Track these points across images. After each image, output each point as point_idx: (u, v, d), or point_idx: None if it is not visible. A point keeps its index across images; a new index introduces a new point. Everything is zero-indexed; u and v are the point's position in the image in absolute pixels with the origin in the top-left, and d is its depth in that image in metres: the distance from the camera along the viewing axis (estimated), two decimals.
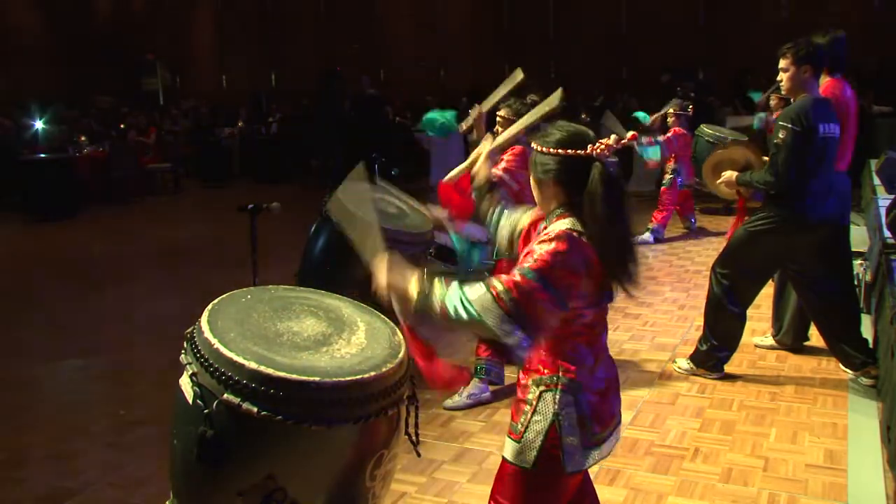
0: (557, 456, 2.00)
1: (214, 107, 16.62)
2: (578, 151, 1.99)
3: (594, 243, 1.95)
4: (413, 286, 1.97)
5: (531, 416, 2.02)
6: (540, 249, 1.92)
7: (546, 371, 2.04)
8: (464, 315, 1.87)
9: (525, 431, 2.03)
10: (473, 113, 4.07)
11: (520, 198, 3.98)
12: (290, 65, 18.31)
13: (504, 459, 2.09)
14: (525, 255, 1.96)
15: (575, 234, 1.94)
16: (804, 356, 4.69)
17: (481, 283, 1.91)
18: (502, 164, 3.96)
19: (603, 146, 1.98)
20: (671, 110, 8.16)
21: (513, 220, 2.31)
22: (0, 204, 11.20)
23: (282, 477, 1.93)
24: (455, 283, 1.93)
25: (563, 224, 1.98)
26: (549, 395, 2.02)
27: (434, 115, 4.99)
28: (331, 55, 17.07)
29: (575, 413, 2.01)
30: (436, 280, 1.94)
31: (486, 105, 4.17)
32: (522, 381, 2.10)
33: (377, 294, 2.05)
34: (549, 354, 2.04)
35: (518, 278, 1.88)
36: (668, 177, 8.21)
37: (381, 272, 2.04)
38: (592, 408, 2.03)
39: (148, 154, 13.02)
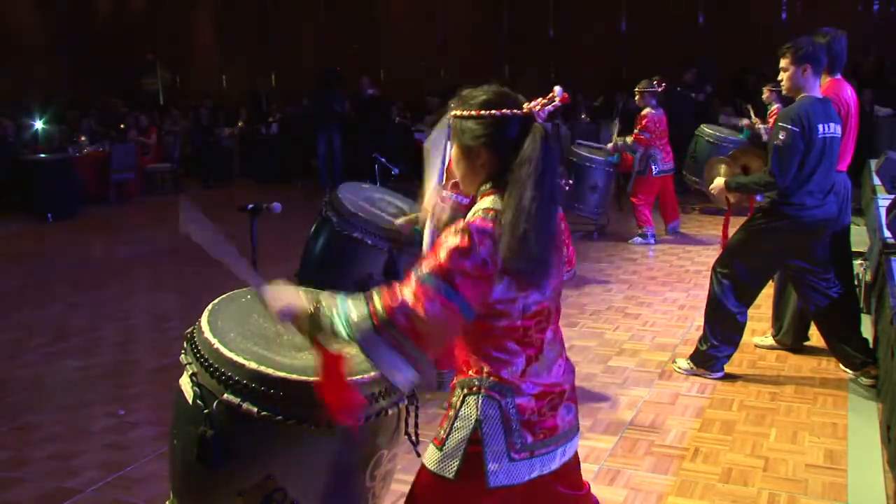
0: (480, 467, 1.77)
1: (214, 107, 16.63)
2: (514, 111, 1.76)
3: (508, 221, 1.67)
4: (300, 308, 1.74)
5: (454, 422, 1.80)
6: (444, 246, 1.67)
7: (470, 372, 1.82)
8: (342, 331, 1.67)
9: (447, 438, 1.81)
10: None
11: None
12: (290, 65, 18.32)
13: (423, 467, 1.87)
14: (434, 247, 1.71)
15: (489, 218, 1.69)
16: (804, 356, 4.69)
17: (363, 298, 1.68)
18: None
19: (538, 103, 1.78)
20: (638, 89, 7.77)
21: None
22: (0, 204, 11.20)
23: (282, 477, 1.93)
24: (340, 296, 1.72)
25: (484, 206, 1.73)
26: (471, 399, 1.79)
27: None
28: (331, 55, 17.08)
29: (500, 420, 1.77)
30: (322, 294, 1.74)
31: None
32: (452, 383, 1.90)
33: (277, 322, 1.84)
34: (472, 353, 1.81)
35: (411, 289, 1.64)
36: (640, 163, 7.80)
37: (272, 304, 1.80)
38: (524, 415, 1.78)
39: (148, 154, 13.02)
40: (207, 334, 2.00)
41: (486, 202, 1.75)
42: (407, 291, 1.65)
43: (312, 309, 1.72)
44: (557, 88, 1.79)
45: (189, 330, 2.09)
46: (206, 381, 1.95)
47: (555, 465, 1.86)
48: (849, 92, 4.41)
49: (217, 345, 1.96)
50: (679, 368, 4.48)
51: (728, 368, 4.41)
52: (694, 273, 6.78)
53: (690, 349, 4.55)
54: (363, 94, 12.61)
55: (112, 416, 4.13)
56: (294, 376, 1.90)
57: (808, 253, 4.18)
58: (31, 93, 14.46)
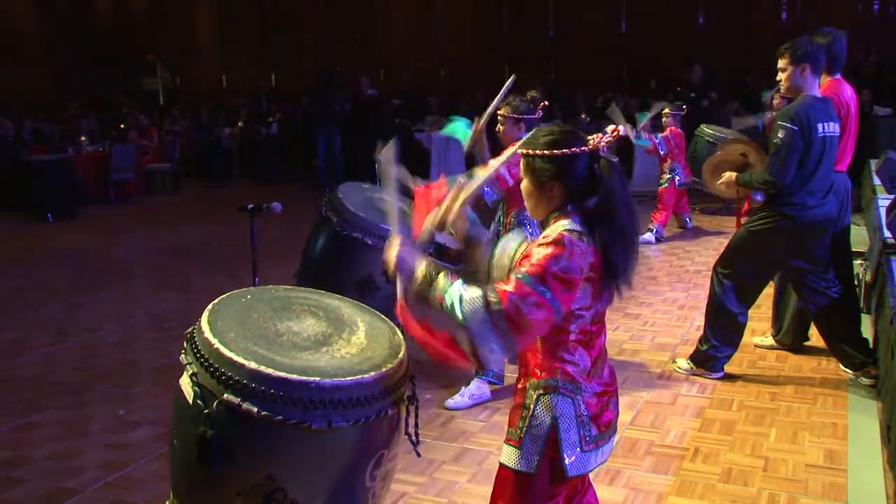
0: (558, 460, 1.98)
1: (214, 107, 16.63)
2: (582, 148, 1.98)
3: (603, 242, 1.93)
4: (420, 270, 1.98)
5: (529, 421, 2.00)
6: (538, 253, 1.89)
7: (543, 374, 2.01)
8: (457, 313, 1.87)
9: (524, 437, 2.01)
10: (473, 128, 4.12)
11: (513, 196, 3.97)
12: (290, 65, 18.33)
13: (503, 466, 2.05)
14: (523, 259, 1.94)
15: (574, 235, 1.91)
16: (804, 356, 4.69)
17: (480, 288, 1.90)
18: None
19: (600, 138, 1.98)
20: (666, 110, 8.24)
21: (509, 249, 2.21)
22: (0, 204, 11.20)
23: (282, 477, 1.93)
24: (459, 280, 1.93)
25: (562, 226, 1.95)
26: (546, 399, 1.99)
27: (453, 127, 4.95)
28: (331, 55, 17.08)
29: (574, 416, 1.99)
30: (442, 272, 1.95)
31: (484, 119, 4.19)
32: (519, 386, 2.08)
33: (384, 269, 2.06)
34: (546, 358, 2.01)
35: (513, 286, 1.85)
36: (665, 177, 8.26)
37: (393, 249, 2.04)
38: (591, 410, 2.01)
39: (148, 154, 13.02)
40: (207, 334, 2.00)
41: (563, 224, 1.95)
42: (512, 286, 1.85)
43: (430, 276, 1.94)
44: (621, 127, 2.03)
45: (189, 330, 2.09)
46: (206, 381, 1.95)
47: (608, 453, 2.09)
48: (849, 92, 4.40)
49: (217, 345, 1.96)
50: (679, 368, 4.48)
51: (728, 368, 4.41)
52: (694, 273, 6.78)
53: (690, 349, 4.55)
54: (363, 94, 12.62)
55: (112, 416, 4.13)
56: (294, 376, 1.90)
57: (808, 253, 4.18)
58: (32, 93, 14.46)
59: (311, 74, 15.47)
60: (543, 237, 1.95)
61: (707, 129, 8.01)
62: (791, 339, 4.75)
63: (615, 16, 15.72)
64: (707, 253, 7.41)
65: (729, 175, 4.33)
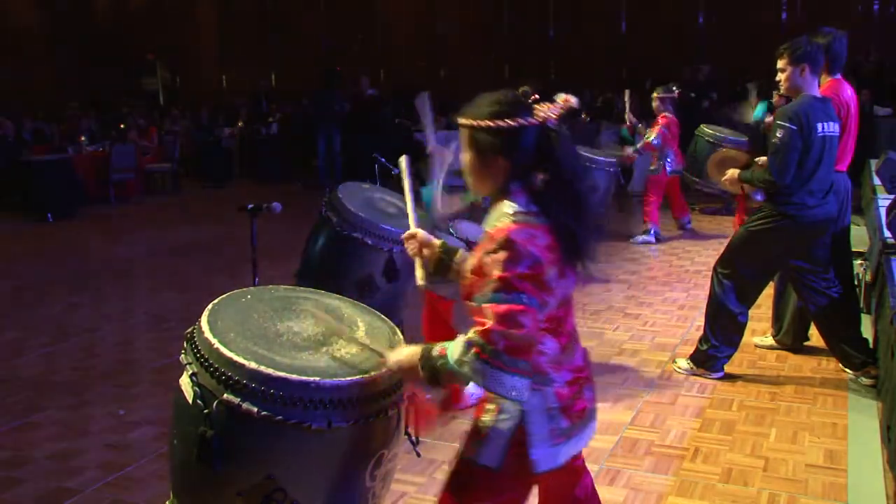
0: (525, 455, 1.86)
1: (214, 107, 16.63)
2: (529, 120, 1.80)
3: (556, 220, 1.79)
4: (415, 355, 1.87)
5: (496, 415, 1.89)
6: (492, 265, 1.75)
7: None
8: (463, 374, 1.75)
9: (489, 430, 1.89)
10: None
11: None
12: (290, 65, 18.33)
13: (465, 460, 1.94)
14: (476, 271, 1.81)
15: (519, 220, 1.77)
16: (804, 356, 4.69)
17: (461, 340, 1.76)
18: None
19: (549, 108, 1.82)
20: (656, 94, 8.02)
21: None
22: (0, 204, 11.21)
23: (282, 477, 1.93)
24: (445, 345, 1.81)
25: (505, 215, 1.81)
26: None
27: None
28: (331, 55, 17.08)
29: (543, 409, 1.87)
30: (434, 346, 1.83)
31: (430, 142, 4.17)
32: None
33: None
34: None
35: (488, 313, 1.72)
36: (657, 163, 8.05)
37: (392, 357, 1.95)
38: (561, 402, 1.89)
39: (148, 154, 13.02)
40: (207, 334, 2.00)
41: (505, 207, 1.81)
42: (489, 318, 1.72)
43: (421, 358, 1.83)
44: (568, 96, 1.86)
45: (189, 330, 2.09)
46: (206, 381, 1.95)
47: (583, 445, 1.98)
48: (849, 92, 4.41)
49: (217, 345, 1.96)
50: (679, 368, 4.49)
51: (728, 368, 4.41)
52: (694, 273, 6.78)
53: (690, 349, 4.55)
54: (363, 94, 12.62)
55: (112, 416, 4.13)
56: (294, 376, 1.90)
57: (808, 253, 4.18)
58: (32, 93, 14.46)
59: (311, 74, 15.46)
60: (489, 240, 1.80)
61: (707, 129, 8.00)
62: (791, 339, 4.75)
63: (615, 16, 15.73)
64: (707, 253, 7.41)
65: (732, 172, 4.34)
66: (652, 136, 7.87)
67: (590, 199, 1.87)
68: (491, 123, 1.80)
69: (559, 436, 1.88)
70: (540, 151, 1.82)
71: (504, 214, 1.81)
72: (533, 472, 1.87)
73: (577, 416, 1.93)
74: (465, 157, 1.88)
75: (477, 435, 1.91)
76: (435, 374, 1.82)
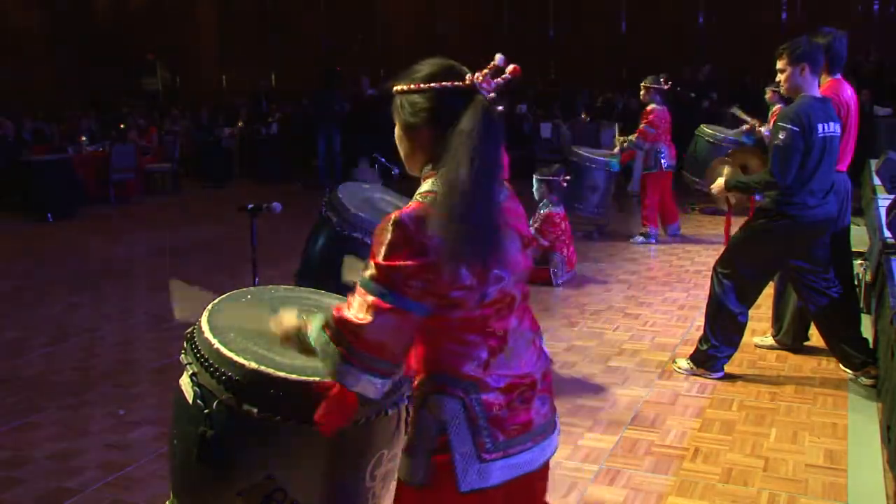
0: (450, 471, 1.64)
1: (214, 107, 16.64)
2: (456, 83, 1.62)
3: (440, 201, 1.54)
4: (293, 325, 1.76)
5: (416, 427, 1.69)
6: (379, 245, 1.56)
7: (429, 370, 1.69)
8: (321, 354, 1.62)
9: (414, 444, 1.69)
10: None
11: None
12: (290, 65, 18.33)
13: (399, 479, 1.75)
14: (370, 255, 1.62)
15: (420, 206, 1.57)
16: (804, 356, 4.69)
17: (319, 322, 1.63)
18: None
19: (483, 72, 1.63)
20: (644, 84, 7.76)
21: None
22: (0, 204, 11.21)
23: (282, 477, 1.93)
24: (313, 321, 1.67)
25: (426, 187, 1.63)
26: (433, 400, 1.66)
27: None
28: (331, 55, 17.09)
29: (464, 420, 1.64)
30: (315, 317, 1.68)
31: None
32: (413, 385, 1.77)
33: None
34: (429, 350, 1.68)
35: (358, 298, 1.56)
36: (650, 160, 7.84)
37: (278, 324, 1.82)
38: (490, 412, 1.65)
39: (148, 154, 13.03)
40: (207, 334, 2.00)
41: (427, 185, 1.63)
42: (355, 304, 1.57)
43: (298, 330, 1.73)
44: (499, 56, 1.64)
45: (189, 330, 2.09)
46: (206, 380, 1.95)
47: (537, 465, 1.74)
48: (849, 92, 4.41)
49: (217, 345, 1.96)
50: (679, 368, 4.49)
51: (728, 368, 4.41)
52: (694, 273, 6.78)
53: (690, 349, 4.55)
54: (363, 94, 12.62)
55: (112, 416, 4.13)
56: (294, 376, 1.89)
57: (808, 253, 4.18)
58: (32, 93, 14.47)
59: (311, 74, 15.47)
60: (384, 219, 1.59)
61: (707, 129, 8.00)
62: (791, 339, 4.75)
63: (615, 16, 15.74)
64: (707, 253, 7.41)
65: (719, 181, 4.30)
66: (632, 139, 7.74)
67: (491, 188, 1.57)
68: (414, 86, 1.65)
69: (491, 451, 1.65)
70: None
71: (419, 194, 1.63)
72: (459, 491, 1.63)
73: (517, 429, 1.68)
74: (396, 131, 1.72)
75: (404, 450, 1.73)
76: (308, 348, 1.69)
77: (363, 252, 4.15)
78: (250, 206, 3.76)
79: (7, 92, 14.94)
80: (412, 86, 1.65)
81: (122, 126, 13.90)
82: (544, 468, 1.81)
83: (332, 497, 2.01)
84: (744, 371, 4.49)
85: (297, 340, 1.76)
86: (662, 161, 7.78)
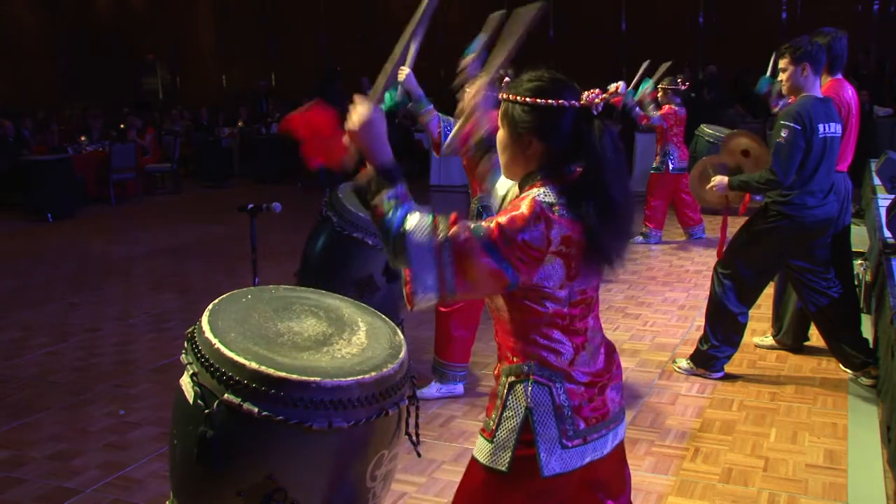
0: (533, 457, 1.72)
1: (214, 107, 16.63)
2: (571, 102, 1.69)
3: (586, 217, 1.66)
4: (376, 162, 1.70)
5: (501, 412, 1.76)
6: (508, 213, 1.65)
7: (515, 359, 1.77)
8: (393, 221, 1.63)
9: (497, 429, 1.76)
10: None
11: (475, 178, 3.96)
12: (290, 65, 18.32)
13: (475, 461, 1.81)
14: (499, 212, 1.72)
15: (546, 204, 1.65)
16: (804, 356, 4.69)
17: (429, 218, 1.65)
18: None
19: (595, 94, 1.70)
20: (661, 86, 7.69)
21: (509, 184, 1.96)
22: (0, 204, 11.20)
23: (282, 477, 1.93)
24: (410, 198, 1.69)
25: (536, 193, 1.69)
26: (519, 387, 1.75)
27: None
28: (331, 55, 17.08)
29: (551, 407, 1.73)
30: (394, 181, 1.69)
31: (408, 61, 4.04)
32: (495, 372, 1.85)
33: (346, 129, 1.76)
34: (518, 340, 1.76)
35: (466, 231, 1.62)
36: (658, 160, 7.74)
37: (359, 115, 1.74)
38: (574, 401, 1.75)
39: (148, 154, 13.02)
40: (208, 334, 2.00)
41: (539, 194, 1.68)
42: (464, 234, 1.61)
43: (380, 177, 1.68)
44: (622, 84, 1.76)
45: (189, 330, 2.09)
46: (206, 381, 1.95)
47: (607, 450, 1.83)
48: (849, 92, 4.41)
49: (217, 345, 1.96)
50: (679, 368, 4.49)
51: (728, 368, 4.41)
52: (694, 273, 6.78)
53: (690, 349, 4.55)
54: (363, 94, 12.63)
55: (112, 416, 4.13)
56: (294, 376, 1.90)
57: (809, 253, 4.18)
58: (32, 93, 14.46)
59: (311, 74, 15.46)
60: (518, 198, 1.71)
61: (707, 129, 7.99)
62: (791, 339, 4.75)
63: (615, 15, 15.72)
64: (707, 253, 7.41)
65: (720, 179, 4.26)
66: (655, 114, 7.54)
67: (625, 205, 1.71)
68: (528, 99, 1.70)
69: (573, 437, 1.74)
70: (578, 139, 1.69)
71: (534, 193, 1.69)
72: (543, 476, 1.72)
73: (595, 418, 1.78)
74: (500, 134, 1.78)
75: (486, 433, 1.79)
76: (365, 194, 1.69)
77: (362, 252, 4.17)
78: (250, 206, 3.76)
79: (7, 92, 14.95)
80: (526, 98, 1.72)
81: (122, 126, 13.89)
82: (617, 449, 1.90)
83: (333, 497, 2.02)
84: (744, 371, 4.49)
85: (368, 183, 1.69)
86: (670, 163, 7.70)
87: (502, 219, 1.63)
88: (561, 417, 1.73)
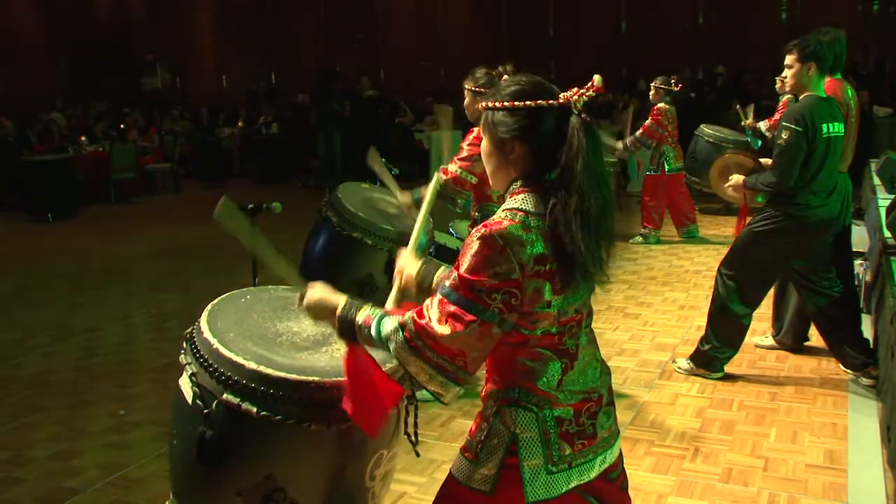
0: (517, 481, 1.68)
1: (214, 107, 16.62)
2: (549, 101, 1.66)
3: (555, 220, 1.60)
4: (339, 304, 1.78)
5: (487, 435, 1.72)
6: (466, 255, 1.59)
7: (502, 384, 1.73)
8: (374, 335, 1.67)
9: (480, 451, 1.72)
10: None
11: (481, 192, 3.99)
12: (290, 65, 18.32)
13: (454, 479, 1.77)
14: (457, 258, 1.64)
15: (509, 223, 1.59)
16: (804, 356, 4.69)
17: (395, 322, 1.65)
18: (459, 155, 3.88)
19: (575, 92, 1.65)
20: (654, 84, 7.65)
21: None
22: (0, 204, 11.20)
23: (281, 477, 1.93)
24: (378, 311, 1.72)
25: (514, 204, 1.65)
26: (506, 411, 1.71)
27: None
28: (331, 55, 17.08)
29: (538, 433, 1.69)
30: (365, 304, 1.75)
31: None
32: (482, 392, 1.80)
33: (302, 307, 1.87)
34: (504, 364, 1.72)
35: (437, 305, 1.59)
36: (654, 161, 7.71)
37: (311, 292, 1.84)
38: (560, 426, 1.70)
39: (148, 154, 13.03)
40: (207, 334, 2.00)
41: (515, 202, 1.66)
42: (434, 312, 1.60)
43: (342, 309, 1.75)
44: (596, 77, 1.68)
45: (189, 330, 2.09)
46: (205, 381, 1.95)
47: (593, 474, 1.78)
48: (850, 92, 4.41)
49: (216, 345, 1.96)
50: (679, 368, 4.48)
51: (728, 368, 4.41)
52: (694, 273, 6.78)
53: (690, 349, 4.55)
54: (363, 94, 12.63)
55: (112, 416, 4.13)
56: (294, 376, 1.90)
57: (810, 253, 4.18)
58: (32, 93, 14.46)
59: (311, 74, 15.46)
60: (476, 230, 1.62)
61: (707, 130, 7.99)
62: (791, 339, 4.75)
63: (615, 16, 15.72)
64: (707, 253, 7.41)
65: (737, 178, 4.28)
66: (638, 134, 7.61)
67: (604, 206, 1.62)
68: (507, 103, 1.67)
69: (559, 462, 1.70)
70: (561, 139, 1.64)
71: (506, 211, 1.65)
72: (527, 502, 1.69)
73: (583, 443, 1.73)
74: (483, 144, 1.75)
75: (468, 454, 1.76)
76: (350, 331, 1.74)
77: (362, 252, 4.17)
78: (250, 206, 3.76)
79: (7, 92, 14.94)
80: (505, 103, 1.68)
81: (122, 126, 13.89)
82: (610, 468, 1.85)
83: (332, 497, 2.02)
84: (744, 371, 4.49)
85: (333, 319, 1.77)
86: (666, 164, 7.68)
87: (465, 264, 1.59)
88: (546, 443, 1.69)
